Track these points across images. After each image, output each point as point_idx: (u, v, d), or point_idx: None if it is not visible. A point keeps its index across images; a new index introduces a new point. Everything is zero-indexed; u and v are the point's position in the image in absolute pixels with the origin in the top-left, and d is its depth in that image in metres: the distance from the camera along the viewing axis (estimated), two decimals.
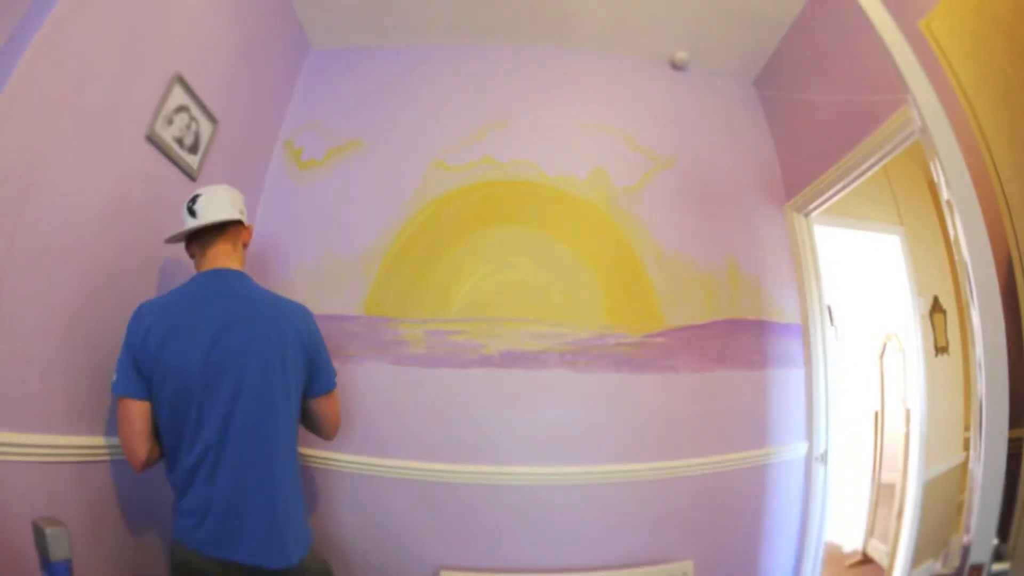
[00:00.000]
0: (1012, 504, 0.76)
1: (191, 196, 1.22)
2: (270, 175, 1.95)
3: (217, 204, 1.20)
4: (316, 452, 1.69)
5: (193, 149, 1.48)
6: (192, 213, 1.19)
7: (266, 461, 1.10)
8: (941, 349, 1.93)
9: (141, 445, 1.07)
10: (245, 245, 1.28)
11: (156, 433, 1.10)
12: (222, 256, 1.20)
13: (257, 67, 1.80)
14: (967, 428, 0.84)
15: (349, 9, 1.97)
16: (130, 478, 1.28)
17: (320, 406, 1.26)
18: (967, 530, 0.71)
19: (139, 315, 1.11)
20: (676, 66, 2.14)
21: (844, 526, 2.69)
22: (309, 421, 1.29)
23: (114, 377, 1.08)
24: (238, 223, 1.24)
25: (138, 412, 1.07)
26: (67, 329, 1.14)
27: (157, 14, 1.32)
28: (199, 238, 1.21)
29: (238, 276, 1.20)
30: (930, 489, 1.86)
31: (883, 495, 2.59)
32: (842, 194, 1.84)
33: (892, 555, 2.09)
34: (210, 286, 1.16)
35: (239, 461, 1.08)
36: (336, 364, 1.72)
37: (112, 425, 1.19)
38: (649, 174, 1.99)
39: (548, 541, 1.68)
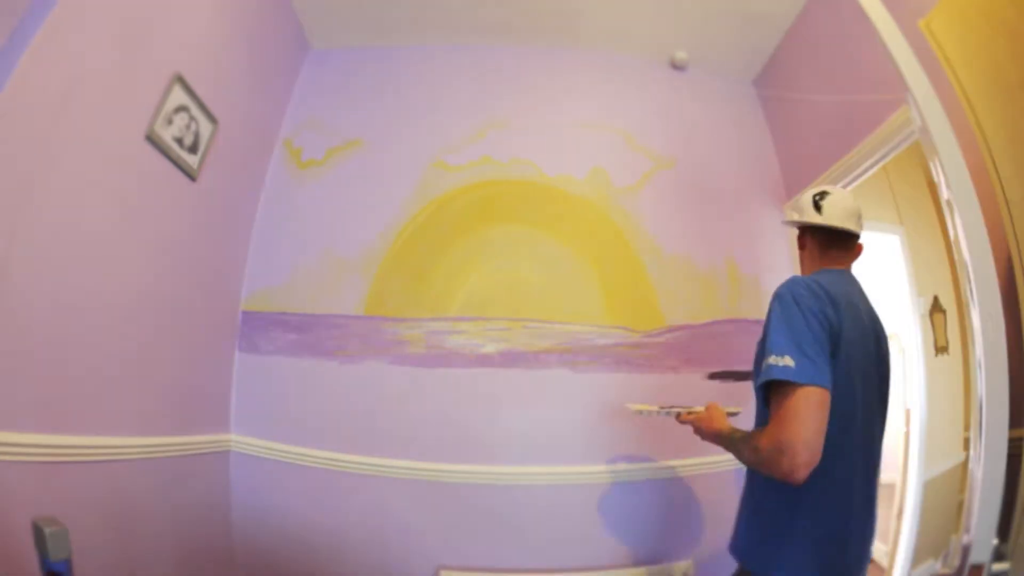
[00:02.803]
0: (1012, 504, 0.76)
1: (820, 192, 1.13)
2: (270, 175, 1.94)
3: (852, 214, 1.10)
4: (316, 452, 1.69)
5: (193, 149, 1.48)
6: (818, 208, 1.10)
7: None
8: (941, 349, 1.93)
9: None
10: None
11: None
12: (846, 264, 1.12)
13: (257, 67, 1.80)
14: (967, 428, 0.84)
15: (349, 9, 1.97)
16: (130, 478, 1.28)
17: None
18: (967, 530, 0.71)
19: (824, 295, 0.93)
20: (676, 66, 2.14)
21: None
22: None
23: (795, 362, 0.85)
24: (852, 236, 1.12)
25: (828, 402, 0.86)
26: (67, 328, 1.13)
27: (157, 14, 1.32)
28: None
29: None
30: (930, 489, 1.86)
31: (883, 495, 2.58)
32: None
33: (892, 555, 2.09)
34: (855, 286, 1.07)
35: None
36: (336, 364, 1.73)
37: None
38: (649, 174, 1.99)
39: (548, 541, 1.68)
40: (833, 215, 1.09)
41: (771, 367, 0.85)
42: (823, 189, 1.12)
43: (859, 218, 1.10)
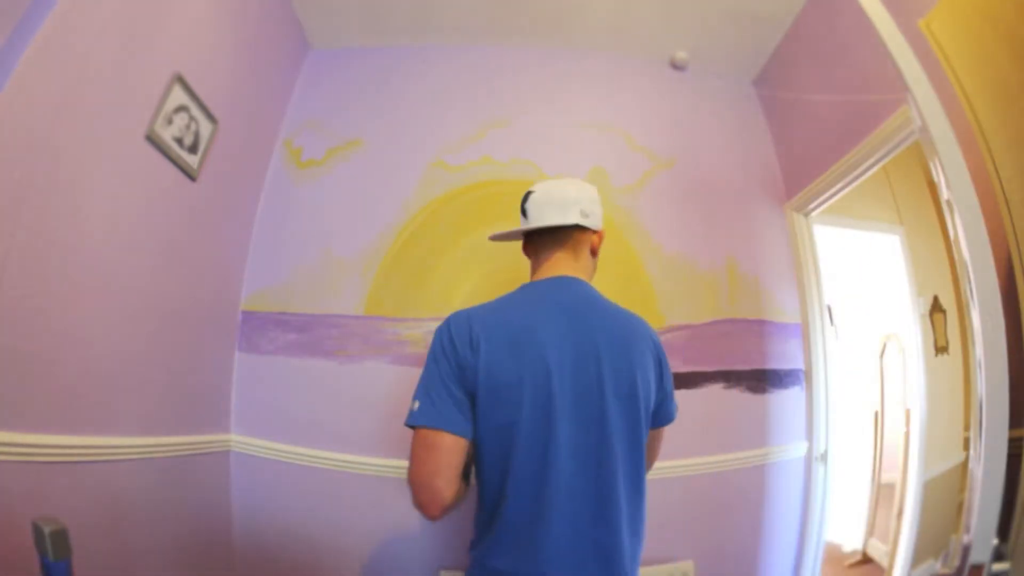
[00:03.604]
0: (1012, 504, 0.76)
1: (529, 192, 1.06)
2: (270, 175, 1.94)
3: (556, 204, 1.02)
4: (316, 452, 1.69)
5: (193, 149, 1.48)
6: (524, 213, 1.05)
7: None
8: (941, 349, 1.93)
9: None
10: (593, 254, 1.08)
11: None
12: (562, 265, 1.03)
13: (257, 67, 1.80)
14: (967, 428, 0.84)
15: (348, 9, 1.97)
16: (130, 478, 1.28)
17: (653, 439, 1.04)
18: (967, 530, 0.71)
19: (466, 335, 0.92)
20: (676, 66, 2.14)
21: (844, 526, 2.70)
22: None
23: None
24: (579, 228, 1.03)
25: None
26: (66, 329, 1.14)
27: (157, 14, 1.32)
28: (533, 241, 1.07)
29: (585, 288, 1.02)
30: (930, 489, 1.86)
31: (883, 495, 2.59)
32: (842, 194, 1.84)
33: (892, 555, 2.09)
34: (551, 299, 0.98)
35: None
36: (336, 364, 1.72)
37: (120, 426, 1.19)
38: (649, 173, 1.99)
39: None
40: (534, 215, 1.01)
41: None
42: (530, 188, 1.04)
43: (563, 204, 0.99)
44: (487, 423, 0.88)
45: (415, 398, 0.89)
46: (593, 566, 0.87)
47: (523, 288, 1.01)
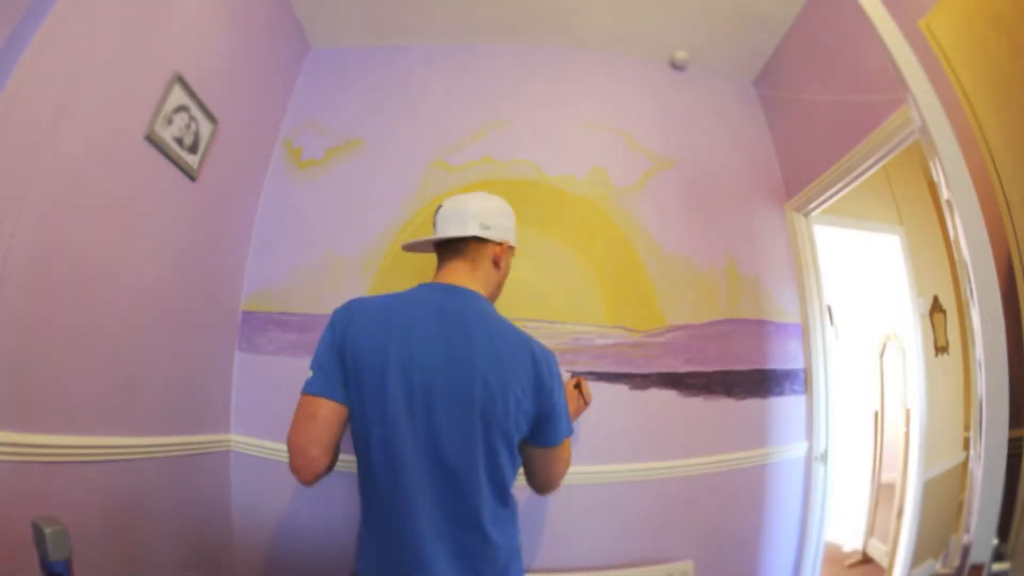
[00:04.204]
0: (1012, 504, 0.76)
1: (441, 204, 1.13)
2: (270, 175, 1.94)
3: (456, 217, 1.09)
4: None
5: (193, 149, 1.48)
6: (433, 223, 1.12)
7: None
8: (941, 349, 1.93)
9: None
10: (496, 264, 1.10)
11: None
12: (458, 275, 1.08)
13: (257, 67, 1.80)
14: (967, 428, 0.84)
15: (349, 9, 1.97)
16: (130, 478, 1.28)
17: (537, 458, 1.03)
18: (967, 530, 0.71)
19: (350, 314, 1.00)
20: (676, 66, 2.14)
21: (844, 526, 2.70)
22: (528, 470, 1.07)
23: None
24: (477, 239, 1.07)
25: None
26: (67, 329, 1.14)
27: (157, 14, 1.32)
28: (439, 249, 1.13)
29: (474, 298, 1.04)
30: (930, 489, 1.87)
31: (883, 495, 2.59)
32: (842, 194, 1.84)
33: (892, 555, 2.10)
34: (434, 302, 1.02)
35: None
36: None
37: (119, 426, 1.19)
38: (649, 173, 1.99)
39: (548, 541, 1.68)
40: (439, 227, 1.10)
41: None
42: (440, 203, 1.13)
43: (463, 217, 1.06)
44: (352, 400, 0.94)
45: (310, 369, 0.96)
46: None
47: (416, 287, 1.06)
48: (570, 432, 1.05)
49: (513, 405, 0.94)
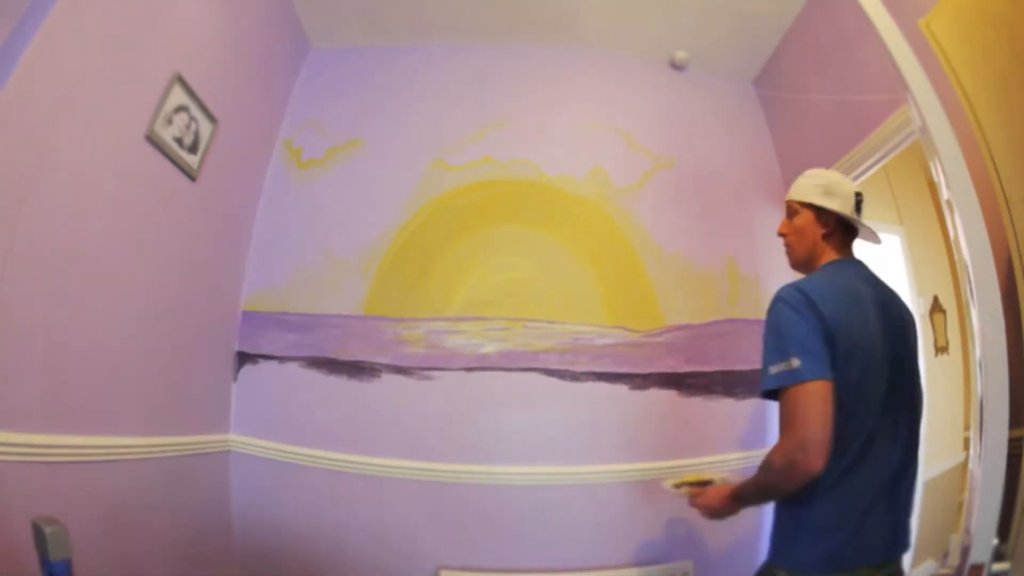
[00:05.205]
0: (1012, 504, 0.76)
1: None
2: (270, 175, 1.94)
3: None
4: (316, 452, 1.69)
5: (193, 149, 1.48)
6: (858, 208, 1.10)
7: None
8: (941, 349, 1.94)
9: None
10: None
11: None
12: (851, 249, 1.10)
13: (257, 67, 1.80)
14: (967, 428, 0.84)
15: (349, 9, 1.97)
16: (130, 478, 1.28)
17: None
18: (967, 530, 0.71)
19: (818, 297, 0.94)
20: (676, 66, 2.14)
21: None
22: None
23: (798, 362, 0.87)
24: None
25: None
26: (67, 329, 1.13)
27: (157, 14, 1.32)
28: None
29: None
30: (930, 489, 1.87)
31: None
32: None
33: None
34: (862, 276, 1.04)
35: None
36: (336, 364, 1.73)
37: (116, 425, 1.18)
38: (649, 174, 1.99)
39: (548, 541, 1.68)
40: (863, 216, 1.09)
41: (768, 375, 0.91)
42: (858, 190, 1.10)
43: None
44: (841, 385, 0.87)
45: (787, 356, 0.88)
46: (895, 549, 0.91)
47: (842, 267, 1.06)
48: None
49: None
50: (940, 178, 0.81)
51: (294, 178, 1.95)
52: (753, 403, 1.86)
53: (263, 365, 1.77)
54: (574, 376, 1.76)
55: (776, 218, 2.04)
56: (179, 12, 1.40)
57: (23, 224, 1.01)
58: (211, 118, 1.54)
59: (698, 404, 1.81)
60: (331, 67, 2.10)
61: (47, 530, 0.71)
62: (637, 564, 1.68)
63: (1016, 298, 0.89)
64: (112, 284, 1.25)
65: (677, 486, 1.20)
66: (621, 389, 1.77)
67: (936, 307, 1.94)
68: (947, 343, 1.92)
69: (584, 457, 1.72)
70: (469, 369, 1.74)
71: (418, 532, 1.67)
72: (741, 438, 1.84)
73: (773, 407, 1.71)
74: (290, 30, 1.98)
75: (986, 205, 0.79)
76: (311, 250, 1.86)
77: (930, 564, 1.73)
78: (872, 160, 1.62)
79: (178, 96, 1.40)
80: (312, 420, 1.73)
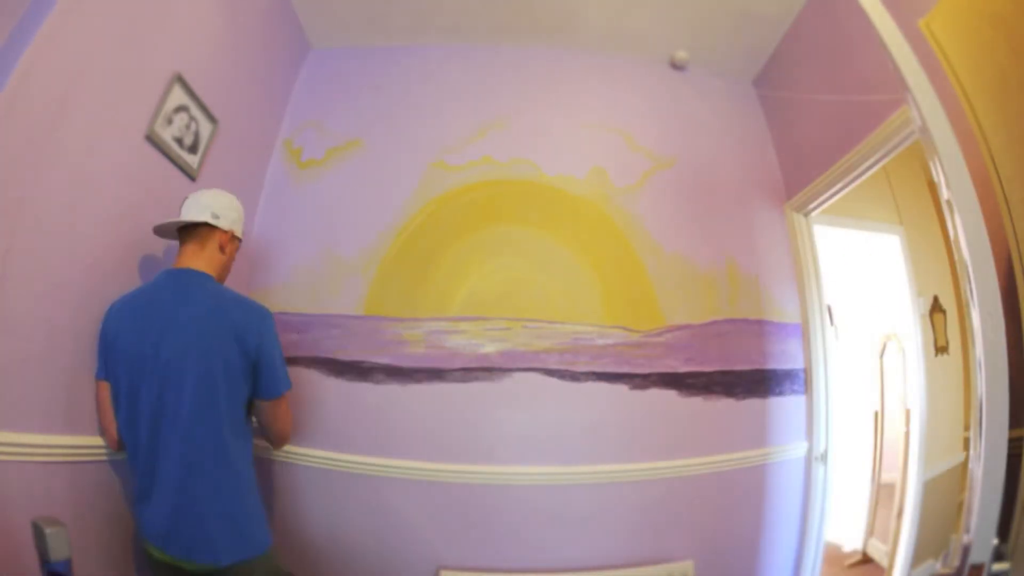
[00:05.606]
0: (1012, 504, 0.76)
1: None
2: (270, 175, 1.95)
3: (195, 206, 1.25)
4: (315, 452, 1.69)
5: (193, 149, 1.48)
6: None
7: (195, 459, 1.12)
8: (941, 349, 1.94)
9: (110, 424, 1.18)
10: (221, 250, 1.27)
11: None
12: (189, 256, 1.23)
13: (257, 67, 1.80)
14: (967, 428, 0.84)
15: (349, 9, 1.97)
16: (130, 478, 1.28)
17: (263, 412, 1.26)
18: (967, 530, 0.71)
19: (108, 311, 1.18)
20: (676, 66, 2.14)
21: (844, 526, 2.70)
22: (260, 425, 1.29)
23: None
24: (208, 226, 1.25)
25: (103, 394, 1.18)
26: (67, 329, 1.14)
27: (157, 14, 1.32)
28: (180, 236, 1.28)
29: (197, 277, 1.21)
30: (930, 489, 1.87)
31: (883, 495, 2.59)
32: (842, 194, 1.84)
33: (892, 555, 2.10)
34: (168, 284, 1.19)
35: (167, 460, 1.11)
36: (336, 364, 1.73)
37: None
38: (649, 174, 1.99)
39: (548, 541, 1.68)
40: (181, 213, 1.24)
41: None
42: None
43: (199, 207, 1.23)
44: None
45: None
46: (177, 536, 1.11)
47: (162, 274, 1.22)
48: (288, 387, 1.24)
49: (219, 367, 1.13)
50: (940, 178, 0.81)
51: (294, 178, 1.95)
52: (753, 403, 1.86)
53: None
54: (574, 376, 1.76)
55: (776, 218, 2.05)
56: (179, 12, 1.40)
57: (23, 224, 1.01)
58: (211, 118, 1.54)
59: (698, 404, 1.81)
60: (331, 67, 2.10)
61: (47, 530, 0.71)
62: (637, 564, 1.68)
63: (1016, 298, 0.89)
64: (112, 284, 1.24)
65: None
66: (621, 389, 1.77)
67: (936, 307, 1.94)
68: (947, 343, 1.92)
69: (584, 457, 1.72)
70: (469, 369, 1.75)
71: (418, 532, 1.67)
72: (741, 438, 1.84)
73: (774, 407, 1.73)
74: (290, 30, 1.98)
75: (986, 205, 0.79)
76: (311, 250, 1.86)
77: (930, 564, 1.73)
78: (872, 160, 1.62)
79: (178, 96, 1.40)
80: (312, 420, 1.73)
